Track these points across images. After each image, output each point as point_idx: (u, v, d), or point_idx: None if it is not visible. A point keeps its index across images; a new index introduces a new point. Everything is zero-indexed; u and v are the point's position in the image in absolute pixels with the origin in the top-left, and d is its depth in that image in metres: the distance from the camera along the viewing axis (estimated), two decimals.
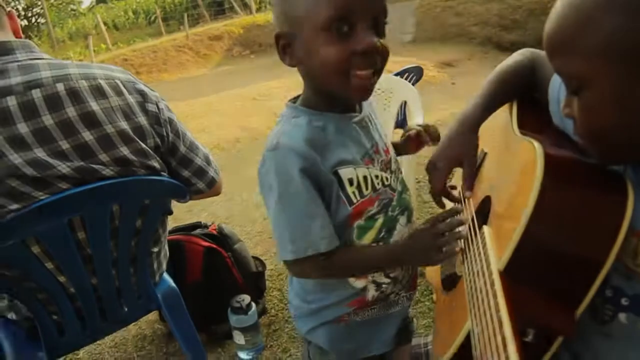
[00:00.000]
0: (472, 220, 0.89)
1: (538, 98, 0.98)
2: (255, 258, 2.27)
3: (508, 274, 0.66)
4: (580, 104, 0.67)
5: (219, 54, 12.36)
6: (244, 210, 3.40)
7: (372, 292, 0.97)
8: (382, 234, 0.92)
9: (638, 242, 0.68)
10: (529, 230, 0.65)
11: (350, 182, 0.86)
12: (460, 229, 0.83)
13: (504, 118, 0.98)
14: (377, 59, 0.79)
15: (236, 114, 6.27)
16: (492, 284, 0.64)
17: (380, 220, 0.91)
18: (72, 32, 16.86)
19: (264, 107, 6.42)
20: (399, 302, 1.03)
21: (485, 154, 1.01)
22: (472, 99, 0.97)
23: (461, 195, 0.99)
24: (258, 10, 15.42)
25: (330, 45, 0.77)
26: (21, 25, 1.30)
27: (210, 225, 2.12)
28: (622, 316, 0.71)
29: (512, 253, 0.66)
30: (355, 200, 0.87)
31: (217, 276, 1.97)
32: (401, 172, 0.99)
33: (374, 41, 0.76)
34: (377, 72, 0.81)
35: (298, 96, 0.93)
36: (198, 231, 2.05)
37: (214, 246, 1.98)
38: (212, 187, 1.46)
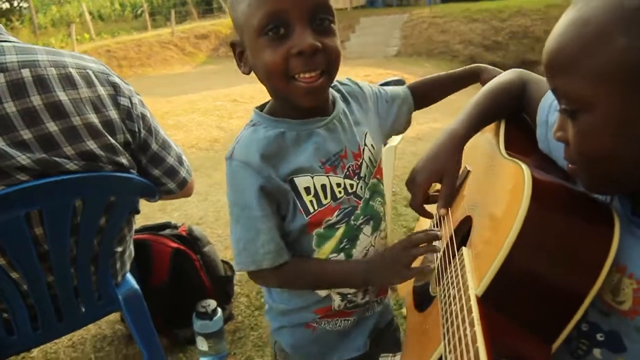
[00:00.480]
0: (451, 240, 0.86)
1: (525, 118, 0.96)
2: (225, 262, 2.20)
3: (486, 301, 0.63)
4: (577, 128, 0.63)
5: (205, 52, 12.26)
6: (217, 212, 3.33)
7: (337, 302, 0.95)
8: (344, 244, 0.89)
9: (621, 277, 0.65)
10: (511, 257, 0.62)
11: (307, 190, 0.84)
12: (435, 243, 0.80)
13: (490, 136, 0.95)
14: (319, 60, 0.75)
15: (216, 114, 6.20)
16: (470, 311, 0.61)
17: (341, 230, 0.88)
18: (56, 19, 16.50)
19: (244, 109, 6.37)
20: (369, 308, 1.01)
21: (469, 171, 0.98)
22: (460, 114, 0.93)
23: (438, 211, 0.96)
24: None
25: (267, 50, 0.75)
26: (2, 8, 1.23)
27: (180, 226, 2.06)
28: (596, 351, 0.69)
29: (492, 279, 0.62)
30: (312, 210, 0.85)
31: (184, 279, 1.91)
32: (375, 177, 0.94)
33: (309, 41, 0.73)
34: (326, 73, 0.78)
35: (268, 101, 0.90)
36: (167, 231, 1.98)
37: (183, 248, 1.92)
38: (183, 188, 1.40)
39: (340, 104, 0.90)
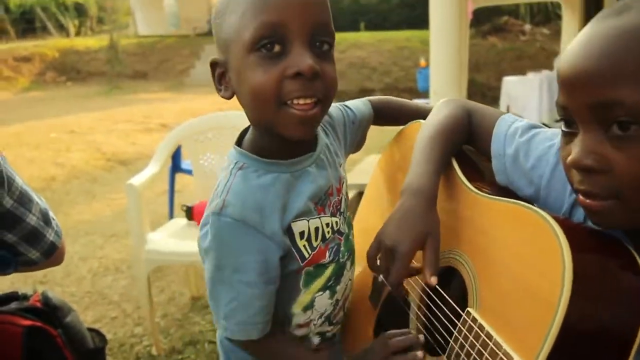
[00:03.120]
0: (440, 298, 0.73)
1: (465, 149, 0.88)
2: (92, 330, 1.81)
3: None
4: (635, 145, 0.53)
5: (27, 77, 10.81)
6: (66, 265, 2.81)
7: (315, 341, 0.87)
8: (330, 282, 0.82)
9: None
10: (567, 319, 0.52)
11: (302, 235, 0.76)
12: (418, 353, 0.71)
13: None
14: (317, 86, 0.66)
15: (52, 148, 5.45)
16: None
17: (330, 269, 0.81)
18: None
19: (85, 141, 5.73)
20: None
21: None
22: (414, 166, 0.80)
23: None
24: (77, 34, 14.04)
25: (258, 69, 0.65)
26: None
27: (31, 296, 1.61)
28: None
29: (550, 350, 0.52)
30: (307, 255, 0.77)
31: None
32: (349, 211, 0.88)
33: (308, 62, 0.64)
34: (321, 103, 0.68)
35: (244, 133, 0.78)
36: (14, 305, 1.52)
37: (39, 324, 1.49)
38: (50, 257, 1.06)
39: (323, 136, 0.82)
